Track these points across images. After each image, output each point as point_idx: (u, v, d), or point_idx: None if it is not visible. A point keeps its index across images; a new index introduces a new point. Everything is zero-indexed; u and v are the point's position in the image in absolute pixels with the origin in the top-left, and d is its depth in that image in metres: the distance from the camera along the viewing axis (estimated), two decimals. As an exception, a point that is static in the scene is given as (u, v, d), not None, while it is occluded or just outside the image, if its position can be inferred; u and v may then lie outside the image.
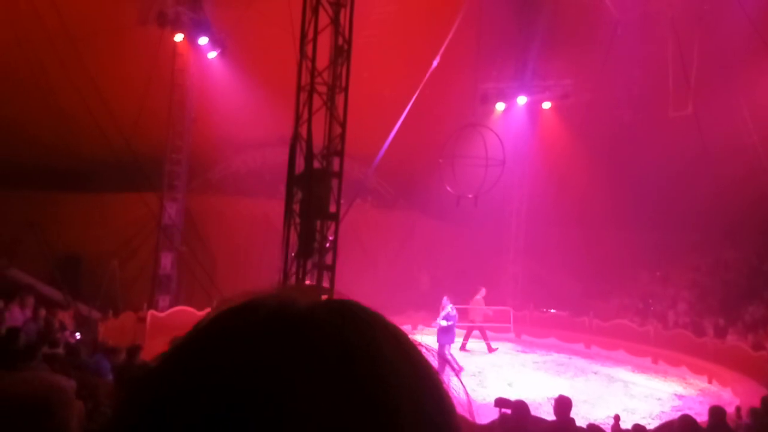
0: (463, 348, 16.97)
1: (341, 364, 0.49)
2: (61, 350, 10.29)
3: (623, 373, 15.80)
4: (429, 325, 14.82)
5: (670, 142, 18.43)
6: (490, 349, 17.10)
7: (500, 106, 21.84)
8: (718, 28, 16.79)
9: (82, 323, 13.80)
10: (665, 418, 10.78)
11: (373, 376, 0.49)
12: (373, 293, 17.58)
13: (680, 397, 13.84)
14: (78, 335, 12.07)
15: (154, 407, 0.50)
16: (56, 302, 14.62)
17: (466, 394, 0.63)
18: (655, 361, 16.70)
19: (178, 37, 17.67)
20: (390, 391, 0.49)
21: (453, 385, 0.57)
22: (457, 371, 13.54)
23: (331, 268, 10.39)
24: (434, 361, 0.57)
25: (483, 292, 17.43)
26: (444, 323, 14.05)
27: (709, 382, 14.93)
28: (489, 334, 17.44)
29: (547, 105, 21.73)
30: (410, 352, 0.54)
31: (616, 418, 9.52)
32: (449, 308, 14.14)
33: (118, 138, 15.18)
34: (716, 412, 6.84)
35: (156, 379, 0.52)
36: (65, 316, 13.48)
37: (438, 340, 13.86)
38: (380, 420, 0.48)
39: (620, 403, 12.66)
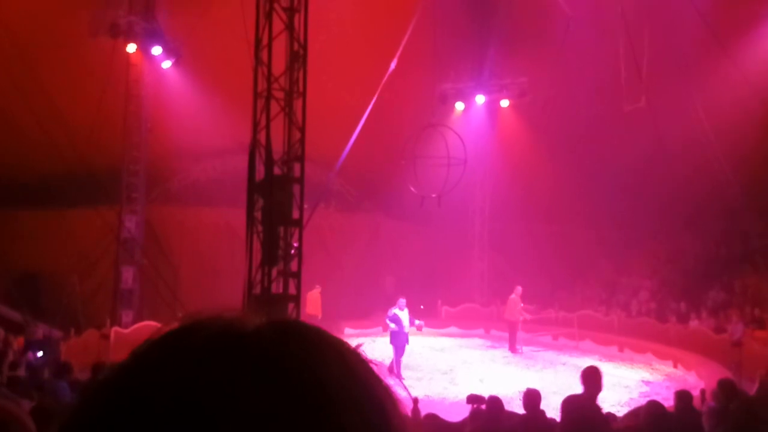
0: (513, 350, 17.05)
1: (283, 382, 0.49)
2: (22, 372, 10.03)
3: (591, 363, 16.01)
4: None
5: (626, 136, 18.80)
6: (512, 349, 17.08)
7: (460, 106, 22.01)
8: (668, 21, 17.19)
9: (43, 343, 13.45)
10: (634, 405, 10.98)
11: (316, 393, 0.49)
12: (339, 297, 17.61)
13: (647, 383, 14.11)
14: (40, 353, 11.75)
15: (92, 428, 0.49)
16: (15, 323, 14.22)
17: (415, 403, 0.63)
18: (621, 350, 17.00)
19: (131, 48, 17.36)
20: (333, 406, 0.49)
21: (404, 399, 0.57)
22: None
23: (297, 275, 10.32)
24: (386, 376, 0.57)
25: (519, 290, 17.33)
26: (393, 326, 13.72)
27: (675, 366, 15.27)
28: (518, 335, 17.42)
29: (505, 103, 21.98)
30: (355, 368, 0.54)
31: (586, 408, 9.62)
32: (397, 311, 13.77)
33: (72, 151, 14.85)
34: (682, 396, 6.97)
35: (92, 401, 0.51)
36: (29, 336, 13.15)
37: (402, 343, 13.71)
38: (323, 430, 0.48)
39: (589, 393, 12.82)
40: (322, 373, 0.51)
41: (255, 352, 0.51)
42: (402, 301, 13.89)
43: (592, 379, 5.97)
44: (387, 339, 14.12)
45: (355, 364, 0.54)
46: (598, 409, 6.02)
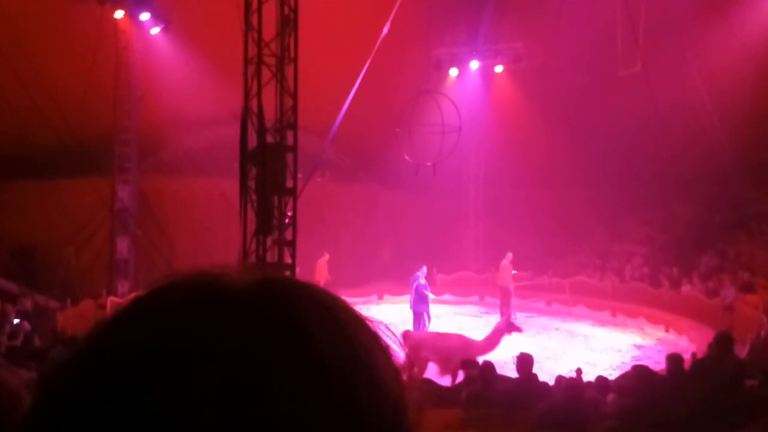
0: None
1: (271, 341, 0.48)
2: (20, 342, 10.10)
3: (584, 328, 16.22)
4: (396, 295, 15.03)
5: (621, 101, 18.70)
6: (504, 316, 17.08)
7: (454, 72, 21.82)
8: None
9: (40, 314, 13.49)
10: (625, 369, 11.13)
11: (305, 353, 0.48)
12: (336, 267, 17.65)
13: (639, 347, 14.29)
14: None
15: (72, 390, 0.48)
16: (13, 295, 14.24)
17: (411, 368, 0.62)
18: (613, 315, 17.16)
19: (119, 14, 17.10)
20: (322, 366, 0.48)
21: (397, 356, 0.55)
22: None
23: (292, 244, 10.31)
24: (386, 336, 0.56)
25: (510, 256, 17.26)
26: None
27: (666, 331, 15.44)
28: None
29: (499, 69, 21.78)
30: (349, 327, 0.52)
31: (578, 371, 9.75)
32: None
33: (62, 121, 14.70)
34: (674, 359, 7.06)
35: (74, 362, 0.50)
36: (20, 306, 13.19)
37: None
38: (305, 385, 0.47)
39: (582, 356, 13.01)
40: (313, 331, 0.49)
41: (243, 308, 0.49)
42: (425, 269, 14.96)
43: (722, 344, 6.22)
44: (381, 307, 14.51)
45: (349, 322, 0.53)
46: (728, 369, 6.25)
